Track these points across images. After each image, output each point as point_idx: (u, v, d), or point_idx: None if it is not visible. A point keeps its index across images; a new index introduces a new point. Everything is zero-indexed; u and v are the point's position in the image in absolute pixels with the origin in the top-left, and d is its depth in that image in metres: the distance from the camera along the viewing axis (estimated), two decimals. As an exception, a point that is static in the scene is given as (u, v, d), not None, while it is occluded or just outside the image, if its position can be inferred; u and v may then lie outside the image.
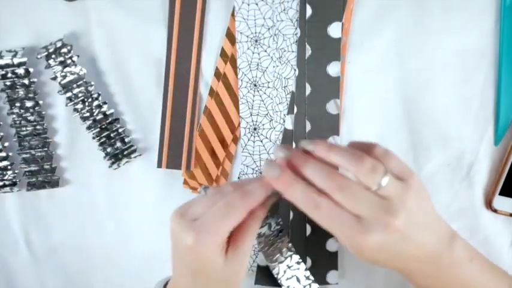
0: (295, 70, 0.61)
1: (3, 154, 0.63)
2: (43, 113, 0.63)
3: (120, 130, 0.63)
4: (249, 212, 0.45)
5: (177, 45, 0.62)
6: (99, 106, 0.62)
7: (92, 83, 0.62)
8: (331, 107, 0.61)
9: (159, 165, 0.63)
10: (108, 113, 0.62)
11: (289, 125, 0.61)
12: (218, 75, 0.62)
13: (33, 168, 0.63)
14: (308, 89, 0.61)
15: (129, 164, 0.63)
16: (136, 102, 0.63)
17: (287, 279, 0.52)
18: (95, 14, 0.62)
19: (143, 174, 0.64)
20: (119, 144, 0.63)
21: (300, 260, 0.52)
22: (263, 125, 0.62)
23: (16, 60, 0.61)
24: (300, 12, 0.60)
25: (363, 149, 0.45)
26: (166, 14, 0.62)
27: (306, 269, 0.53)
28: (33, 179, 0.64)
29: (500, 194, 0.60)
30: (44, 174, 0.64)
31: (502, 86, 0.60)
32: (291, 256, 0.52)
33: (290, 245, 0.52)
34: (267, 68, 0.61)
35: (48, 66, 0.61)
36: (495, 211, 0.61)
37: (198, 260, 0.46)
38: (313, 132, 0.61)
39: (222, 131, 0.62)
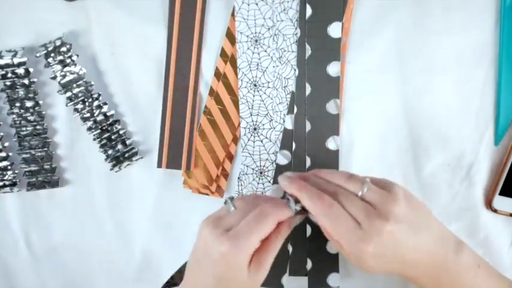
0: (295, 70, 0.61)
1: (3, 154, 0.63)
2: (43, 113, 0.63)
3: (121, 132, 0.63)
4: (274, 229, 0.48)
5: (177, 45, 0.62)
6: (99, 106, 0.62)
7: (92, 82, 0.62)
8: (331, 107, 0.61)
9: (159, 165, 0.63)
10: (108, 114, 0.62)
11: (289, 125, 0.61)
12: (218, 75, 0.62)
13: (33, 168, 0.63)
14: (308, 89, 0.61)
15: (129, 164, 0.64)
16: (137, 103, 0.63)
17: None
18: (95, 13, 0.62)
19: (143, 174, 0.64)
20: (120, 146, 0.63)
21: None
22: (263, 125, 0.62)
23: (16, 60, 0.61)
24: (300, 12, 0.60)
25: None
26: (166, 13, 0.62)
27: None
28: (33, 179, 0.64)
29: (500, 194, 0.60)
30: (44, 174, 0.64)
31: (502, 86, 0.60)
32: None
33: None
34: (267, 68, 0.61)
35: (48, 65, 0.61)
36: (495, 211, 0.61)
37: (228, 268, 0.47)
38: (313, 132, 0.61)
39: (222, 131, 0.62)
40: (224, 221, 0.49)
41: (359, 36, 0.60)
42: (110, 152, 0.63)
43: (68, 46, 0.61)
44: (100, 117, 0.62)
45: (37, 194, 0.64)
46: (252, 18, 0.61)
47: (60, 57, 0.61)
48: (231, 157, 0.63)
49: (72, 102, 0.62)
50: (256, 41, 0.61)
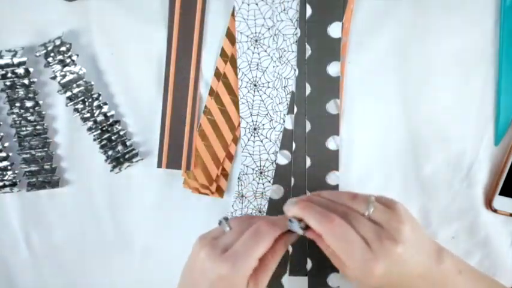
0: (295, 70, 0.61)
1: (4, 154, 0.63)
2: (43, 113, 0.63)
3: (121, 133, 0.63)
4: (270, 249, 0.48)
5: (177, 45, 0.62)
6: (99, 107, 0.62)
7: (92, 82, 0.62)
8: (331, 107, 0.61)
9: (159, 165, 0.63)
10: (109, 114, 0.62)
11: (289, 125, 0.61)
12: (218, 75, 0.62)
13: (33, 168, 0.63)
14: (308, 89, 0.61)
15: (129, 166, 0.64)
16: (137, 103, 0.63)
17: None
18: (95, 13, 0.62)
19: (143, 174, 0.64)
20: (120, 147, 0.63)
21: None
22: (263, 125, 0.62)
23: (16, 60, 0.61)
24: (300, 12, 0.60)
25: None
26: (166, 14, 0.62)
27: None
28: (33, 179, 0.64)
29: (500, 194, 0.60)
30: (44, 175, 0.63)
31: (502, 86, 0.60)
32: None
33: None
34: (267, 68, 0.61)
35: (48, 64, 0.61)
36: (495, 211, 0.61)
37: None
38: (313, 132, 0.61)
39: (222, 131, 0.62)
40: (220, 241, 0.48)
41: (359, 36, 0.60)
42: (110, 152, 0.63)
43: (67, 46, 0.61)
44: (100, 118, 0.62)
45: (37, 194, 0.64)
46: (252, 18, 0.61)
47: (60, 57, 0.61)
48: (231, 157, 0.63)
49: (72, 102, 0.62)
50: (256, 41, 0.61)
